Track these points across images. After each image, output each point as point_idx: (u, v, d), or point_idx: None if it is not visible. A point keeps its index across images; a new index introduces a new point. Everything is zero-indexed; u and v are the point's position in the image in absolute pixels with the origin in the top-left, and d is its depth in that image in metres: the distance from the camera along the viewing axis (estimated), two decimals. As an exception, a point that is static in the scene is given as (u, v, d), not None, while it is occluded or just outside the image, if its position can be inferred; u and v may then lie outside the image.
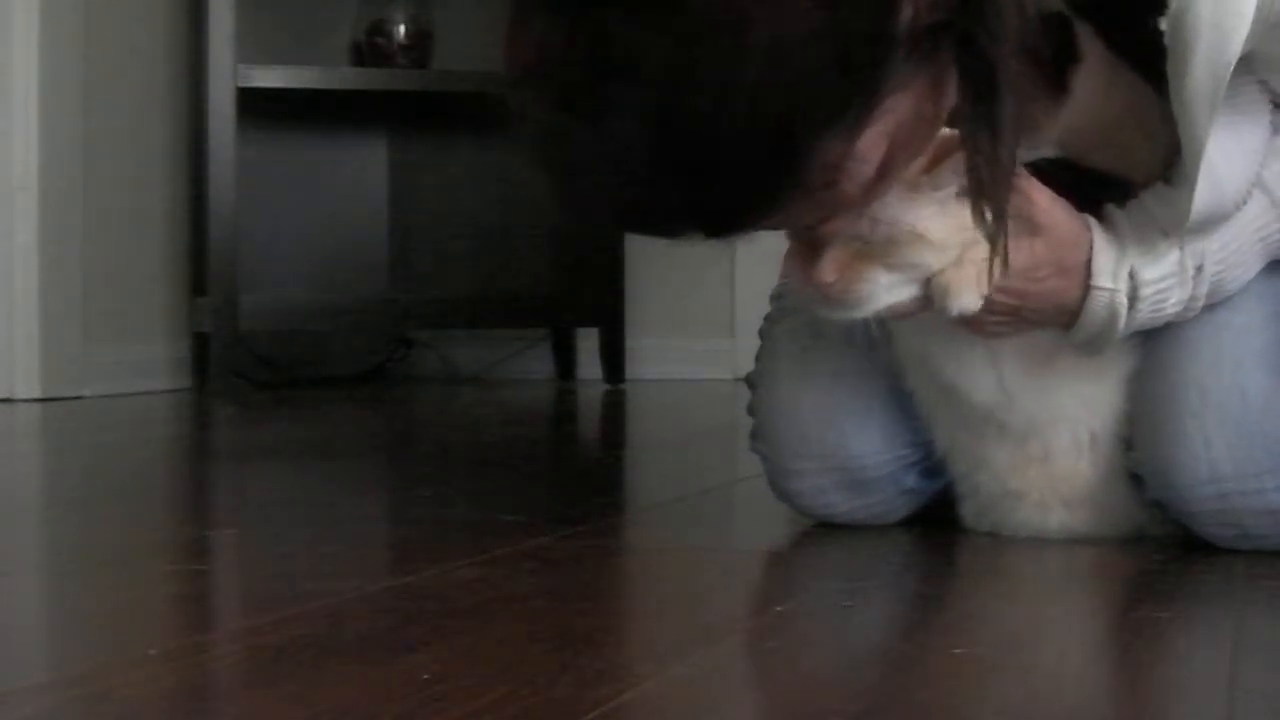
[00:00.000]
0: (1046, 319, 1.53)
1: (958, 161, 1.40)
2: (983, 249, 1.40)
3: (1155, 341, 1.58)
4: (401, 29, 4.25)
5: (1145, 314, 1.52)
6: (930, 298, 1.48)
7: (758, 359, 1.77)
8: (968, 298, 1.47)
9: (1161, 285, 1.52)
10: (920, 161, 1.42)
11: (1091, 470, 1.61)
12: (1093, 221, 1.52)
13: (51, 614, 1.44)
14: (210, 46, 3.89)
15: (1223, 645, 1.25)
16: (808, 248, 1.47)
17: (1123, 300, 1.51)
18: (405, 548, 1.72)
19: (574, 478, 2.44)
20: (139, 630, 1.32)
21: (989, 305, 1.48)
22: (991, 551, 1.65)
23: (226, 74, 3.89)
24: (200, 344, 4.08)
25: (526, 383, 4.37)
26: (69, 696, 1.08)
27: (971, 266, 1.46)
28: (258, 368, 4.26)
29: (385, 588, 1.47)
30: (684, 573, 1.58)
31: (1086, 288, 1.51)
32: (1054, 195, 1.49)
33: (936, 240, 1.46)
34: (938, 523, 1.73)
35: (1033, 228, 1.48)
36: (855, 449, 1.69)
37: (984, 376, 1.59)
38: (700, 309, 4.39)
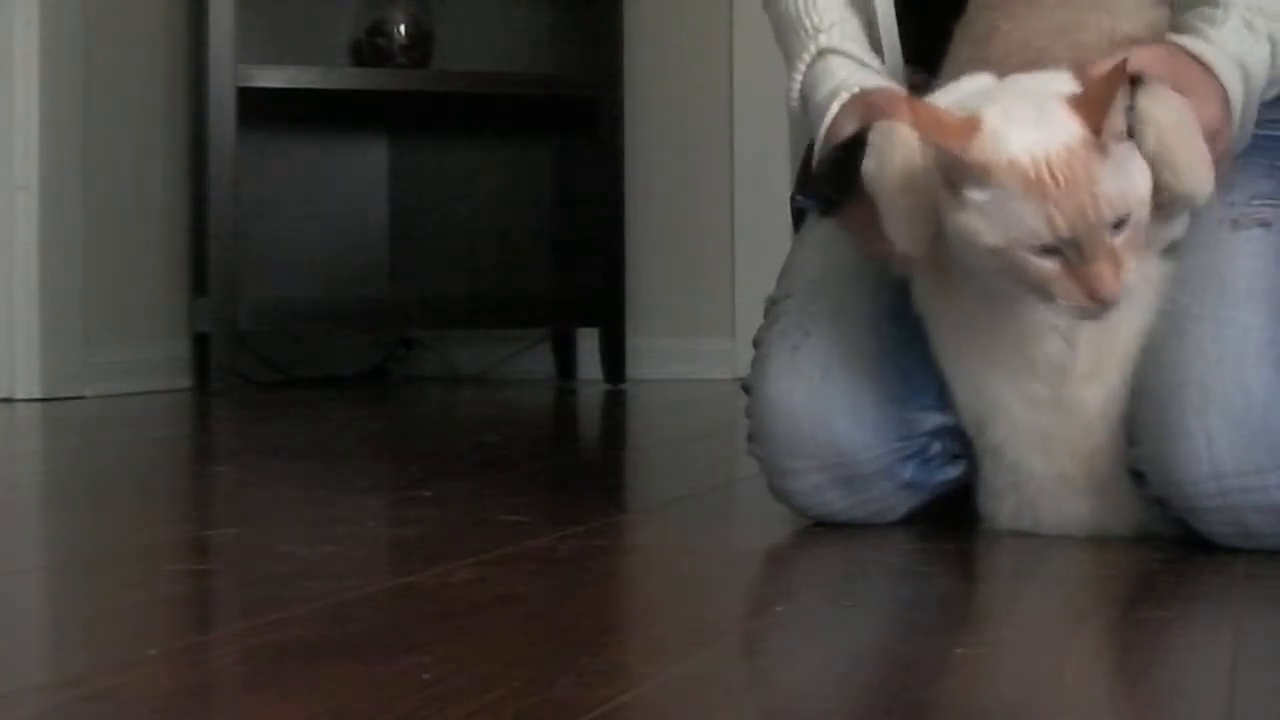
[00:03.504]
0: (1226, 152, 1.58)
1: (1113, 113, 1.45)
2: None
3: (1158, 337, 1.58)
4: (401, 29, 4.25)
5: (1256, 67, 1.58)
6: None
7: (752, 364, 1.78)
8: (1206, 183, 1.52)
9: (1240, 35, 1.58)
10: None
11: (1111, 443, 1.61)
12: (1175, 39, 1.58)
13: (51, 614, 1.44)
14: (210, 46, 3.89)
15: (1223, 645, 1.25)
16: (1063, 269, 1.48)
17: (1229, 54, 1.56)
18: (405, 548, 1.72)
19: (574, 478, 2.44)
20: (139, 630, 1.32)
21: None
22: (991, 551, 1.65)
23: (226, 74, 3.89)
24: (200, 344, 4.08)
25: (526, 383, 4.37)
26: (69, 696, 1.08)
27: (1195, 159, 1.51)
28: (258, 368, 4.26)
29: (385, 588, 1.47)
30: (684, 573, 1.58)
31: (1215, 79, 1.56)
32: (1137, 51, 1.55)
33: (1149, 195, 1.49)
34: (938, 522, 1.73)
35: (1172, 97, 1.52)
36: (847, 444, 1.69)
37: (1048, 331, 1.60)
38: (700, 309, 4.39)
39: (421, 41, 4.27)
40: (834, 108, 1.66)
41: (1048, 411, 1.62)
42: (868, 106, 1.63)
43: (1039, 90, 1.51)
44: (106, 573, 1.57)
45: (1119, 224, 1.46)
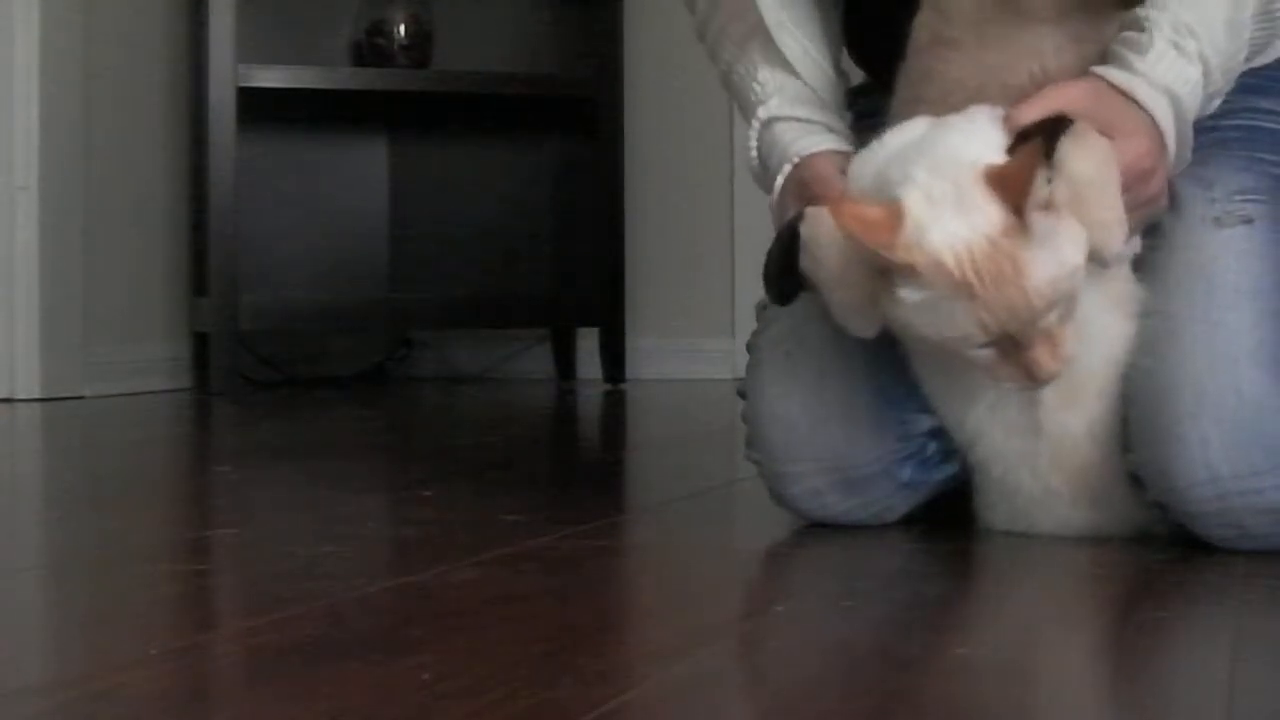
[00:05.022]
0: (1161, 187, 1.56)
1: (1034, 191, 1.43)
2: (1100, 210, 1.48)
3: (1149, 341, 1.58)
4: (401, 29, 4.25)
5: (1180, 84, 1.56)
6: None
7: (747, 370, 1.78)
8: (1116, 240, 1.51)
9: (1168, 60, 1.55)
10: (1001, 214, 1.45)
11: (1102, 456, 1.61)
12: (1099, 72, 1.56)
13: (51, 614, 1.44)
14: (210, 46, 3.89)
15: (1223, 645, 1.25)
16: (1002, 356, 1.48)
17: (1156, 84, 1.54)
18: (405, 548, 1.72)
19: (574, 478, 2.44)
20: (139, 630, 1.32)
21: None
22: (991, 551, 1.65)
23: (226, 74, 3.89)
24: (200, 344, 4.08)
25: (526, 383, 4.37)
26: (69, 696, 1.08)
27: (1107, 218, 1.50)
28: (258, 368, 4.26)
29: (385, 588, 1.47)
30: (684, 573, 1.58)
31: (1143, 110, 1.54)
32: (1059, 90, 1.54)
33: (1082, 259, 1.47)
34: (937, 523, 1.73)
35: (1099, 139, 1.51)
36: (845, 448, 1.69)
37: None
38: (700, 309, 4.39)
39: (421, 41, 4.27)
40: (778, 183, 1.68)
41: (1028, 436, 1.62)
42: (801, 186, 1.65)
43: (961, 157, 1.48)
44: (106, 573, 1.57)
45: (1054, 302, 1.46)
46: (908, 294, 1.46)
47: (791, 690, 1.12)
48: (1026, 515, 1.65)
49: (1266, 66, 1.69)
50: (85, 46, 3.80)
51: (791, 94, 1.73)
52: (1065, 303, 1.47)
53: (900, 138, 1.55)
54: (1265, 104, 1.68)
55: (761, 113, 1.73)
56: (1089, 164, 1.49)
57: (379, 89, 4.21)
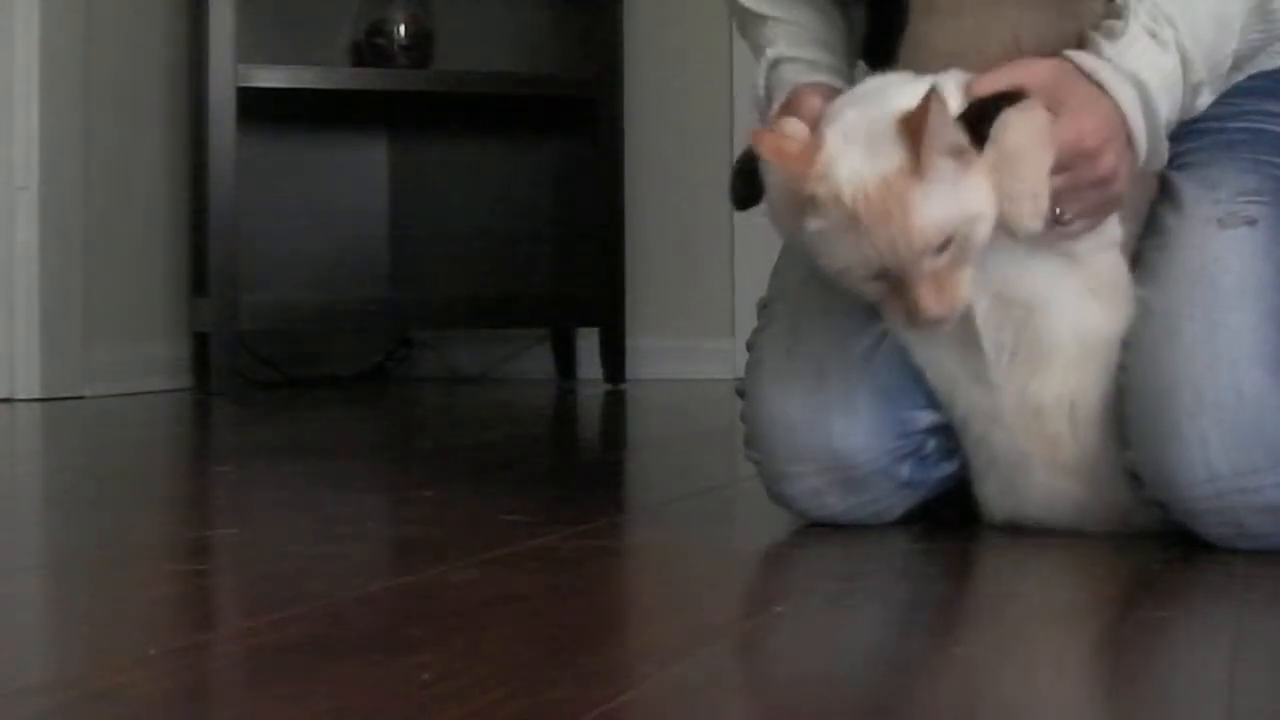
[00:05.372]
0: (1111, 169, 1.55)
1: (932, 136, 1.46)
2: (1020, 169, 1.49)
3: (1150, 340, 1.58)
4: (401, 29, 4.25)
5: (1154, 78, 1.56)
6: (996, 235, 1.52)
7: (746, 369, 1.78)
8: (1028, 212, 1.51)
9: (1139, 47, 1.56)
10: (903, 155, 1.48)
11: (1081, 434, 1.62)
12: (1068, 55, 1.56)
13: (51, 614, 1.44)
14: (210, 46, 3.89)
15: (1223, 645, 1.25)
16: (890, 294, 1.51)
17: (1122, 69, 1.55)
18: (405, 548, 1.72)
19: (574, 478, 2.44)
20: (139, 630, 1.32)
21: (1056, 200, 1.53)
22: (991, 551, 1.65)
23: (226, 74, 3.89)
24: (200, 344, 4.08)
25: (526, 383, 4.37)
26: (69, 696, 1.08)
27: (1021, 190, 1.51)
28: (258, 368, 4.26)
29: (385, 588, 1.47)
30: (684, 573, 1.59)
31: (1105, 94, 1.55)
32: (1024, 65, 1.55)
33: (986, 209, 1.50)
34: (937, 522, 1.73)
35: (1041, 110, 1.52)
36: (844, 446, 1.69)
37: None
38: (700, 309, 4.39)
39: (421, 41, 4.27)
40: (772, 111, 1.72)
41: (997, 393, 1.63)
42: (785, 110, 1.68)
43: (886, 107, 1.52)
44: (106, 573, 1.57)
45: (943, 246, 1.48)
46: (812, 223, 1.51)
47: (791, 690, 1.12)
48: (1012, 486, 1.66)
49: (1276, 70, 1.69)
50: (85, 46, 3.80)
51: (799, 36, 1.77)
52: (958, 248, 1.49)
53: (868, 85, 1.61)
54: (1273, 107, 1.68)
55: (770, 53, 1.78)
56: (1020, 134, 1.51)
57: (379, 89, 4.21)
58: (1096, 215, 1.58)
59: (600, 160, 4.21)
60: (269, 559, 1.63)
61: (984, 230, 1.50)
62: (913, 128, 1.48)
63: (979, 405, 1.66)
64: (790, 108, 1.66)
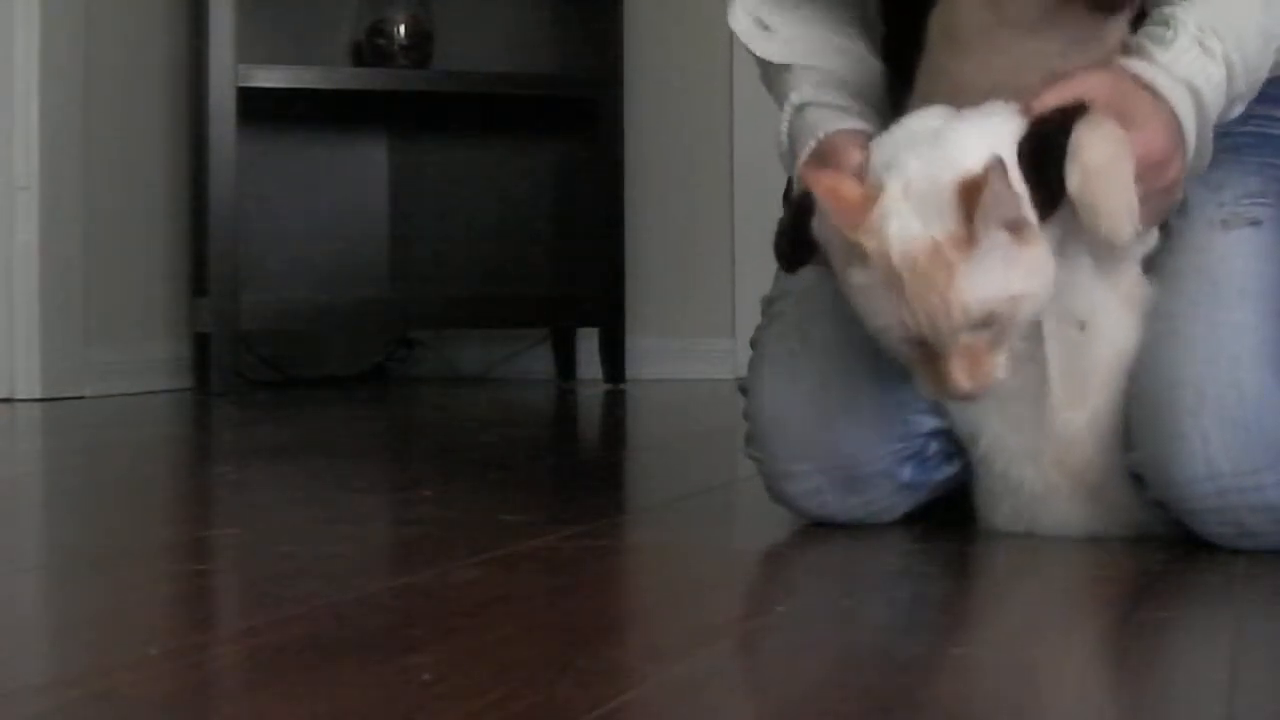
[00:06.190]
0: (1175, 178, 1.55)
1: (989, 207, 1.43)
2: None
3: (1152, 339, 1.58)
4: (401, 29, 4.25)
5: (1203, 83, 1.55)
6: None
7: (749, 366, 1.78)
8: (1126, 228, 1.50)
9: (1190, 55, 1.55)
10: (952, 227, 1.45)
11: (1103, 452, 1.61)
12: (1122, 63, 1.56)
13: (51, 614, 1.44)
14: (210, 46, 3.89)
15: (1223, 645, 1.25)
16: (923, 359, 1.50)
17: (1177, 77, 1.54)
18: (405, 548, 1.72)
19: (574, 478, 2.44)
20: (139, 630, 1.32)
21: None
22: (990, 552, 1.65)
23: (226, 74, 3.89)
24: (200, 344, 4.08)
25: (526, 383, 4.37)
26: (69, 696, 1.08)
27: (1117, 205, 1.49)
28: (258, 368, 4.26)
29: (385, 588, 1.47)
30: (684, 573, 1.58)
31: (1162, 101, 1.54)
32: (1082, 78, 1.54)
33: (1035, 290, 1.48)
34: (937, 522, 1.73)
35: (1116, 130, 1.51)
36: (847, 447, 1.69)
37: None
38: (700, 309, 4.39)
39: (421, 41, 4.27)
40: (802, 159, 1.68)
41: (1030, 430, 1.62)
42: (821, 159, 1.65)
43: (959, 157, 1.48)
44: (106, 573, 1.57)
45: (984, 323, 1.46)
46: (856, 275, 1.50)
47: (791, 690, 1.12)
48: (1028, 512, 1.65)
49: None
50: (85, 46, 3.80)
51: (824, 80, 1.73)
52: (999, 327, 1.47)
53: (918, 123, 1.56)
54: (1278, 113, 1.68)
55: (794, 97, 1.73)
56: (1102, 151, 1.49)
57: (379, 89, 4.21)
58: (1155, 222, 1.58)
59: (600, 160, 4.21)
60: (269, 559, 1.63)
61: (1029, 309, 1.48)
62: (970, 196, 1.44)
63: (1012, 445, 1.64)
64: (827, 159, 1.62)
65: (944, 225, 1.45)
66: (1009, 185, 1.45)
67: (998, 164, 1.43)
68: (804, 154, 1.67)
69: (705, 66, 4.37)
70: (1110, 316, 1.59)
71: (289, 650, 1.19)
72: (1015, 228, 1.46)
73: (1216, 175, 1.63)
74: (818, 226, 1.57)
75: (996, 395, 1.61)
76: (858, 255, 1.48)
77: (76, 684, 1.11)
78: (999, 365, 1.49)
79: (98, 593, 1.48)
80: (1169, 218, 1.62)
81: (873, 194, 1.49)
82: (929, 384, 1.51)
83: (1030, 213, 1.48)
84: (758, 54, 1.79)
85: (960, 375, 1.47)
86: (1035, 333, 1.57)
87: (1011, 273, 1.46)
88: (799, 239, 1.61)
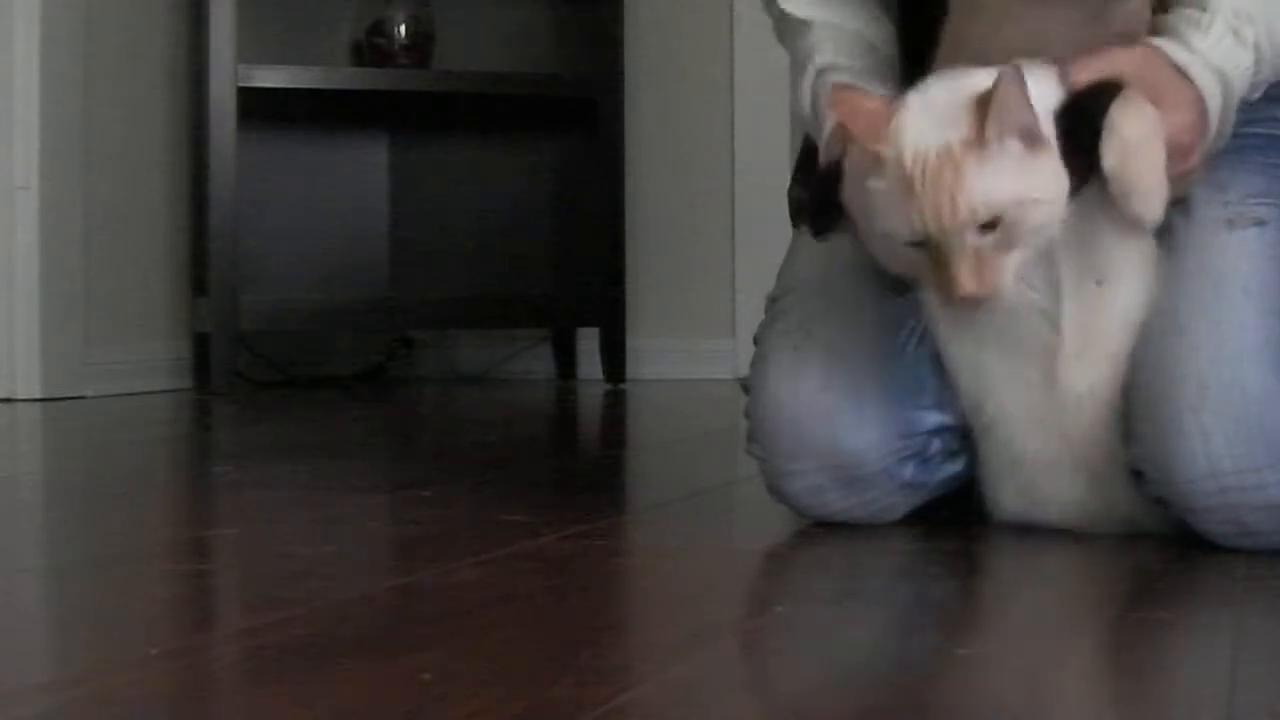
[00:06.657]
0: (1197, 160, 1.57)
1: (1001, 112, 1.46)
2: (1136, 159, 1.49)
3: (1155, 336, 1.58)
4: (401, 29, 4.25)
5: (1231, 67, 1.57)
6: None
7: (752, 363, 1.78)
8: (1157, 206, 1.52)
9: (1226, 43, 1.57)
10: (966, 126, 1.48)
11: (1108, 430, 1.61)
12: (1158, 44, 1.57)
13: (51, 614, 1.44)
14: (210, 46, 3.89)
15: (1223, 645, 1.25)
16: (931, 265, 1.50)
17: (1211, 64, 1.55)
18: (406, 548, 1.72)
19: (574, 478, 2.44)
20: (139, 630, 1.32)
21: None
22: (992, 552, 1.65)
23: (226, 74, 3.89)
24: (200, 344, 4.08)
25: (526, 383, 4.37)
26: (69, 696, 1.08)
27: (1150, 184, 1.51)
28: (258, 368, 4.26)
29: (385, 588, 1.47)
30: (684, 573, 1.58)
31: (1191, 85, 1.55)
32: (1115, 54, 1.55)
33: (1045, 196, 1.49)
34: (937, 523, 1.73)
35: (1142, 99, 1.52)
36: (850, 445, 1.69)
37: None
38: (700, 309, 4.39)
39: (421, 41, 4.27)
40: (828, 126, 1.67)
41: (1038, 391, 1.63)
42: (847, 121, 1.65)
43: (971, 84, 1.51)
44: (106, 573, 1.57)
45: (991, 225, 1.47)
46: (872, 182, 1.51)
47: (791, 690, 1.12)
48: (1031, 486, 1.65)
49: None
50: (85, 46, 3.80)
51: (846, 41, 1.74)
52: (1006, 230, 1.48)
53: (955, 77, 1.57)
54: None
55: (817, 59, 1.73)
56: (1139, 130, 1.51)
57: (379, 89, 4.21)
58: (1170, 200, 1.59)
59: (601, 160, 4.21)
60: (269, 559, 1.63)
61: (1039, 217, 1.49)
62: (986, 105, 1.47)
63: (1017, 407, 1.65)
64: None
65: (955, 131, 1.48)
66: (1023, 92, 1.47)
67: (1013, 72, 1.46)
68: (829, 122, 1.68)
69: (705, 66, 4.37)
70: (1128, 273, 1.60)
71: (289, 650, 1.19)
72: (1028, 138, 1.48)
73: (1222, 175, 1.63)
74: (847, 189, 1.58)
75: (1005, 351, 1.62)
76: (875, 164, 1.51)
77: (76, 684, 1.11)
78: (1006, 271, 1.49)
79: (98, 593, 1.48)
80: (1175, 216, 1.62)
81: (894, 107, 1.53)
82: (936, 292, 1.52)
83: (1046, 128, 1.49)
84: (781, 4, 1.79)
85: (966, 277, 1.48)
86: (1053, 290, 1.58)
87: (1021, 179, 1.48)
88: (827, 204, 1.61)
